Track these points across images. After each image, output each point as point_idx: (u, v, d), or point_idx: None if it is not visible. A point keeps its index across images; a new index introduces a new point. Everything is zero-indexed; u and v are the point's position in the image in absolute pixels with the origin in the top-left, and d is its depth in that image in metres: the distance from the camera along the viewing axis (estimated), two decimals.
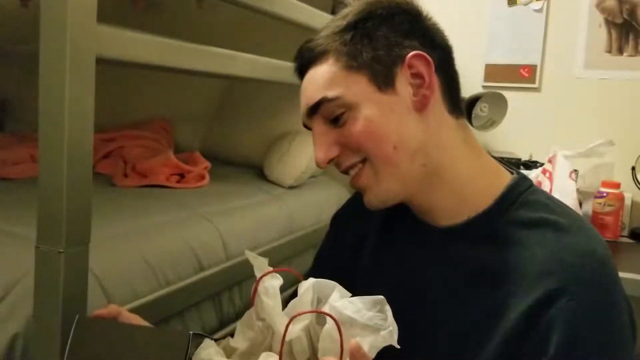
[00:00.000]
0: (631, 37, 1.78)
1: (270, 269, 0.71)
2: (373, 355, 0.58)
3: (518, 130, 1.91)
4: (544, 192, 0.76)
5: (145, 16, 2.35)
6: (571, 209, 0.73)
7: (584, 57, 1.85)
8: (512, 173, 0.76)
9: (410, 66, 0.70)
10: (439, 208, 0.74)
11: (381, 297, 0.60)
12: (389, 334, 0.58)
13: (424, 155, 0.71)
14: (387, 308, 0.59)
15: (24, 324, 0.82)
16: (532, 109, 1.92)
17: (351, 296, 0.63)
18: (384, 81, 0.69)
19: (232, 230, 1.31)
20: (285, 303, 0.69)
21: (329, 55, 0.71)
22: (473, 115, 1.74)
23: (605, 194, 1.63)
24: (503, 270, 0.67)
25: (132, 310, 0.90)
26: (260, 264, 0.71)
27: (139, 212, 1.23)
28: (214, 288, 1.21)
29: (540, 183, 1.55)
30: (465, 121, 0.76)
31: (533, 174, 1.58)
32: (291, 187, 1.74)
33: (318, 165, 0.74)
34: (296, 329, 0.64)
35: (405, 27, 0.71)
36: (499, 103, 1.80)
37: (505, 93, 1.82)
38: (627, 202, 1.71)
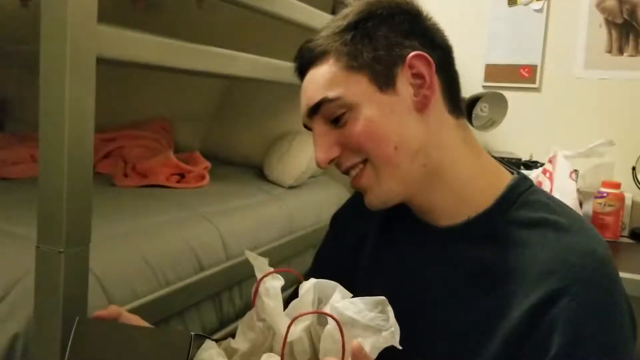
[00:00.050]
0: (631, 37, 1.78)
1: (271, 269, 0.71)
2: (374, 356, 0.58)
3: (518, 130, 1.91)
4: (544, 192, 0.76)
5: (145, 16, 2.35)
6: (571, 209, 0.73)
7: (584, 57, 1.85)
8: (512, 173, 0.76)
9: (410, 66, 0.70)
10: (439, 208, 0.74)
11: (383, 297, 0.60)
12: (390, 334, 0.58)
13: (425, 155, 0.71)
14: (389, 309, 0.59)
15: (24, 324, 0.82)
16: (532, 109, 1.92)
17: (352, 296, 0.63)
18: (384, 81, 0.69)
19: (232, 230, 1.31)
20: (285, 303, 0.69)
21: (330, 56, 0.71)
22: (473, 115, 1.74)
23: (605, 194, 1.63)
24: (504, 270, 0.67)
25: (132, 310, 0.90)
26: (260, 265, 0.71)
27: (139, 212, 1.23)
28: (214, 288, 1.21)
29: (540, 183, 1.55)
30: (465, 121, 0.76)
31: (533, 174, 1.58)
32: (291, 187, 1.74)
33: (319, 165, 0.74)
34: (297, 330, 0.64)
35: (406, 27, 0.71)
36: (499, 103, 1.80)
37: (506, 93, 1.82)
38: (628, 202, 1.71)
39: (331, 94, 0.70)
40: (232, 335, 0.75)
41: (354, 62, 0.70)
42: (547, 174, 1.57)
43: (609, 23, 1.81)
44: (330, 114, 0.71)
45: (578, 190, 1.58)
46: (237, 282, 1.29)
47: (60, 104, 0.68)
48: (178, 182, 1.57)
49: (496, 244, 0.69)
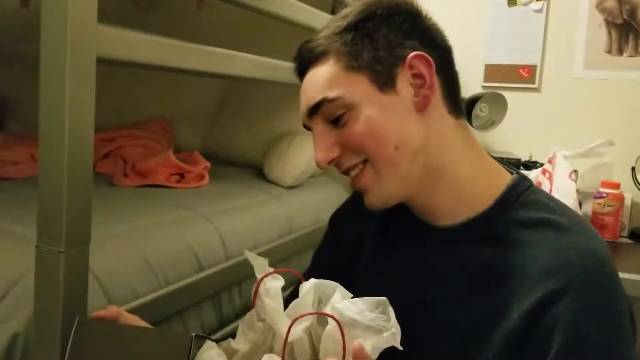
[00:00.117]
0: (631, 37, 1.78)
1: (271, 269, 0.71)
2: (375, 357, 0.58)
3: (518, 131, 1.91)
4: (543, 192, 0.76)
5: (145, 16, 2.35)
6: (571, 209, 0.73)
7: (583, 58, 1.85)
8: (511, 173, 0.76)
9: (411, 66, 0.70)
10: (439, 208, 0.74)
11: (384, 298, 0.60)
12: (391, 335, 0.58)
13: (425, 155, 0.71)
14: (390, 309, 0.59)
15: (24, 324, 0.83)
16: (532, 109, 1.92)
17: (352, 297, 0.63)
18: (384, 82, 0.69)
19: (231, 230, 1.31)
20: (284, 303, 0.69)
21: (330, 56, 0.71)
22: (473, 116, 1.74)
23: (605, 194, 1.63)
24: (504, 270, 0.67)
25: (132, 310, 0.90)
26: (260, 265, 0.71)
27: (139, 212, 1.23)
28: (214, 288, 1.21)
29: (540, 183, 1.55)
30: (465, 121, 0.76)
31: (533, 174, 1.58)
32: (291, 187, 1.74)
33: (318, 165, 0.74)
34: (298, 330, 0.64)
35: (406, 27, 0.71)
36: (499, 103, 1.80)
37: (505, 93, 1.82)
38: (627, 202, 1.71)
39: (331, 94, 0.70)
40: (232, 335, 0.75)
41: (354, 63, 0.70)
42: (547, 174, 1.57)
43: (609, 23, 1.81)
44: (330, 114, 0.71)
45: (577, 191, 1.58)
46: (237, 282, 1.29)
47: (60, 104, 0.68)
48: (178, 182, 1.57)
49: (496, 243, 0.69)
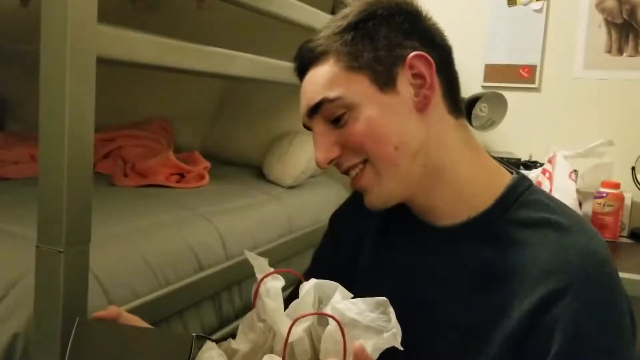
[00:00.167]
0: (631, 37, 1.78)
1: (271, 269, 0.71)
2: (375, 357, 0.58)
3: (518, 131, 1.91)
4: (543, 192, 0.76)
5: (145, 16, 2.35)
6: (571, 209, 0.73)
7: (583, 58, 1.85)
8: (511, 173, 0.76)
9: (411, 66, 0.70)
10: (439, 208, 0.74)
11: (384, 298, 0.60)
12: (392, 335, 0.58)
13: (425, 155, 0.71)
14: (391, 310, 0.59)
15: (24, 324, 0.83)
16: (532, 109, 1.92)
17: (352, 297, 0.63)
18: (385, 81, 0.69)
19: (231, 230, 1.31)
20: (284, 303, 0.69)
21: (330, 56, 0.71)
22: (473, 115, 1.74)
23: (605, 194, 1.63)
24: (504, 270, 0.67)
25: (132, 310, 0.90)
26: (260, 265, 0.71)
27: (139, 212, 1.23)
28: (214, 288, 1.21)
29: (540, 183, 1.55)
30: (465, 121, 0.77)
31: (533, 174, 1.58)
32: (290, 187, 1.74)
33: (318, 165, 0.74)
34: (298, 331, 0.64)
35: (406, 27, 0.71)
36: (499, 103, 1.80)
37: (505, 93, 1.82)
38: (627, 202, 1.71)
39: (331, 94, 0.70)
40: (232, 335, 0.75)
41: (354, 63, 0.70)
42: (547, 174, 1.57)
43: (609, 23, 1.81)
44: (330, 114, 0.71)
45: (577, 191, 1.58)
46: (237, 282, 1.29)
47: (60, 104, 0.68)
48: (178, 182, 1.57)
49: (496, 243, 0.69)
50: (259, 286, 0.69)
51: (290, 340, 0.63)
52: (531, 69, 1.91)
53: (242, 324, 0.72)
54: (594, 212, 1.65)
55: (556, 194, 1.44)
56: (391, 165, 0.70)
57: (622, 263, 1.42)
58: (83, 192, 0.72)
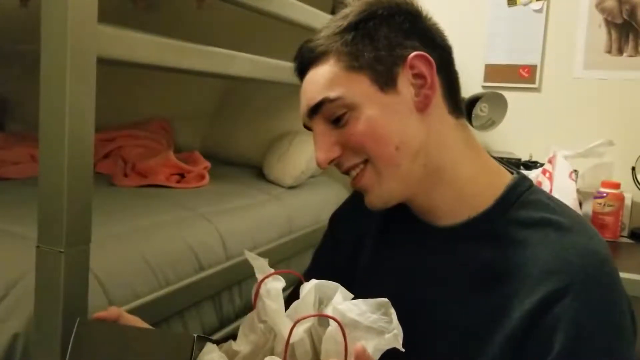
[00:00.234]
0: (631, 37, 1.78)
1: (272, 270, 0.70)
2: (376, 358, 0.58)
3: (518, 131, 1.91)
4: (544, 192, 0.76)
5: (145, 16, 2.35)
6: (571, 209, 0.73)
7: (583, 58, 1.85)
8: (512, 173, 0.76)
9: (411, 66, 0.70)
10: (440, 208, 0.74)
11: (386, 299, 0.60)
12: (393, 337, 0.58)
13: (425, 155, 0.71)
14: (392, 311, 0.59)
15: (24, 324, 0.83)
16: (532, 109, 1.92)
17: (353, 297, 0.63)
18: (385, 81, 0.69)
19: (231, 230, 1.31)
20: (284, 303, 0.69)
21: (330, 56, 0.71)
22: (473, 115, 1.74)
23: (605, 194, 1.63)
24: (505, 270, 0.67)
25: (132, 310, 0.90)
26: (260, 265, 0.71)
27: (139, 212, 1.23)
28: (214, 288, 1.21)
29: (540, 183, 1.55)
30: (465, 121, 0.77)
31: (533, 174, 1.58)
32: (291, 187, 1.74)
33: (319, 165, 0.74)
34: (299, 331, 0.63)
35: (406, 27, 0.71)
36: (499, 103, 1.80)
37: (505, 93, 1.82)
38: (627, 202, 1.71)
39: (332, 94, 0.70)
40: (233, 335, 0.75)
41: (355, 62, 0.70)
42: (547, 174, 1.57)
43: (609, 23, 1.81)
44: (331, 114, 0.71)
45: (578, 191, 1.58)
46: (237, 282, 1.29)
47: (61, 104, 0.68)
48: (178, 182, 1.57)
49: (497, 243, 0.69)
50: (259, 287, 0.69)
51: (291, 341, 0.63)
52: (531, 69, 1.91)
53: (243, 326, 0.72)
54: (594, 212, 1.65)
55: (556, 194, 1.44)
56: (392, 165, 0.70)
57: (622, 263, 1.42)
58: (83, 192, 0.72)
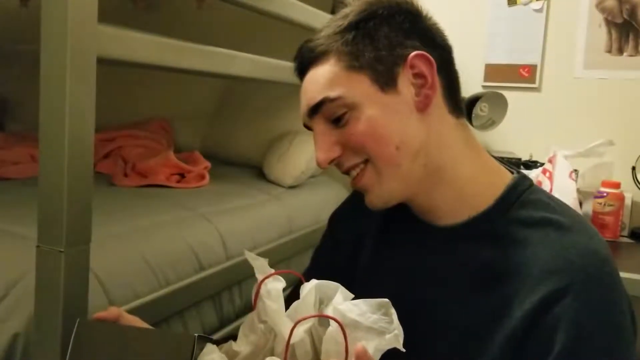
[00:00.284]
0: (631, 37, 1.78)
1: (272, 270, 0.70)
2: (377, 359, 0.58)
3: (518, 130, 1.91)
4: (544, 192, 0.76)
5: (145, 16, 2.35)
6: (572, 209, 0.73)
7: (583, 57, 1.85)
8: (512, 173, 0.76)
9: (412, 66, 0.70)
10: (440, 208, 0.74)
11: (386, 300, 0.60)
12: (394, 337, 0.58)
13: (425, 155, 0.71)
14: (392, 311, 0.59)
15: (24, 324, 0.83)
16: (532, 109, 1.92)
17: (353, 297, 0.63)
18: (386, 81, 0.69)
19: (231, 230, 1.31)
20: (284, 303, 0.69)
21: (330, 56, 0.71)
22: (473, 115, 1.74)
23: (605, 194, 1.63)
24: (505, 270, 0.67)
25: (133, 310, 0.90)
26: (260, 266, 0.71)
27: (139, 212, 1.23)
28: (214, 288, 1.21)
29: (540, 183, 1.55)
30: (465, 121, 0.76)
31: (533, 174, 1.58)
32: (291, 187, 1.74)
33: (319, 165, 0.74)
34: (299, 332, 0.63)
35: (407, 27, 0.71)
36: (499, 103, 1.80)
37: (505, 93, 1.82)
38: (627, 202, 1.71)
39: (332, 93, 0.70)
40: (233, 335, 0.74)
41: (355, 62, 0.70)
42: (547, 174, 1.57)
43: (609, 23, 1.81)
44: (331, 114, 0.71)
45: (578, 190, 1.58)
46: (237, 281, 1.29)
47: (61, 104, 0.68)
48: (178, 182, 1.57)
49: (497, 243, 0.69)
50: (259, 288, 0.69)
51: (291, 341, 0.63)
52: (531, 69, 1.91)
53: (243, 326, 0.72)
54: (594, 212, 1.65)
55: (556, 194, 1.43)
56: (392, 165, 0.70)
57: (622, 263, 1.42)
58: (83, 192, 0.72)
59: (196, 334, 0.67)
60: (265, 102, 1.96)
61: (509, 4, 1.93)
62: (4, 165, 1.58)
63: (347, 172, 0.74)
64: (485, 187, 0.73)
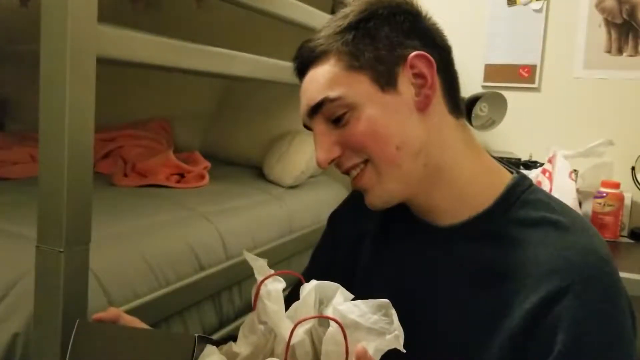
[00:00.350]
0: (631, 37, 1.78)
1: (272, 271, 0.70)
2: (377, 359, 0.58)
3: (518, 130, 1.91)
4: (544, 192, 0.76)
5: (145, 16, 2.35)
6: (571, 209, 0.73)
7: (583, 57, 1.85)
8: (512, 173, 0.76)
9: (412, 66, 0.70)
10: (440, 207, 0.74)
11: (386, 300, 0.60)
12: (394, 338, 0.58)
13: (425, 155, 0.71)
14: (393, 312, 0.59)
15: (24, 324, 0.83)
16: (532, 109, 1.92)
17: (353, 297, 0.63)
18: (386, 81, 0.69)
19: (231, 230, 1.31)
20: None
21: (330, 56, 0.71)
22: (473, 115, 1.74)
23: (604, 194, 1.63)
24: (505, 270, 0.67)
25: (133, 310, 0.90)
26: (260, 267, 0.71)
27: (139, 212, 1.23)
28: (214, 288, 1.21)
29: (540, 183, 1.55)
30: (465, 121, 0.76)
31: (533, 174, 1.58)
32: (291, 187, 1.74)
33: (319, 165, 0.73)
34: (299, 332, 0.63)
35: (407, 27, 0.71)
36: (499, 103, 1.80)
37: (505, 93, 1.82)
38: (627, 202, 1.71)
39: (332, 93, 0.70)
40: (233, 335, 0.74)
41: (355, 62, 0.69)
42: (547, 174, 1.57)
43: (609, 23, 1.81)
44: (331, 114, 0.71)
45: (577, 190, 1.58)
46: (237, 281, 1.29)
47: (61, 104, 0.68)
48: (178, 182, 1.57)
49: (497, 243, 0.69)
50: (259, 288, 0.69)
51: (291, 342, 0.63)
52: (531, 69, 1.92)
53: (243, 327, 0.72)
54: (594, 212, 1.65)
55: (556, 194, 1.43)
56: (392, 165, 0.70)
57: (622, 263, 1.43)
58: (83, 192, 0.72)
59: (196, 335, 0.67)
60: (265, 102, 1.96)
61: (508, 4, 1.93)
62: (4, 165, 1.58)
63: (347, 172, 0.74)
64: (485, 187, 0.73)
